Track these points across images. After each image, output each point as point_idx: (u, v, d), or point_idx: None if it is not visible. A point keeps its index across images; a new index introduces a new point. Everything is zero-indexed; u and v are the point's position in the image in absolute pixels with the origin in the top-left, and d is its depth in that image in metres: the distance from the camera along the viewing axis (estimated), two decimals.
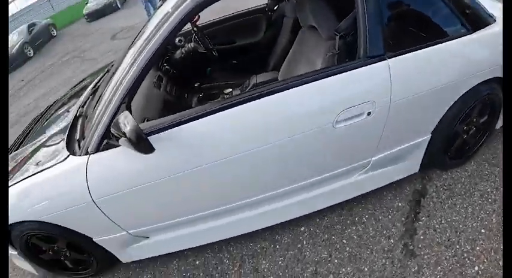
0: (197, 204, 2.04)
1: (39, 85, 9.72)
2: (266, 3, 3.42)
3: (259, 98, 1.73)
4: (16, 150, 2.73)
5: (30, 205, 2.06)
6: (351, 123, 1.81)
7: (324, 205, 2.22)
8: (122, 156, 1.75)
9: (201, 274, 2.26)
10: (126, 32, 10.66)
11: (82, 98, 2.59)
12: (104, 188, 1.85)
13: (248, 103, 1.72)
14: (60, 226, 2.07)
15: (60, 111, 2.90)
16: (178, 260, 2.40)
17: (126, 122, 1.49)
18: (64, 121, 2.47)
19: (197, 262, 2.33)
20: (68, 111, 2.58)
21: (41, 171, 1.98)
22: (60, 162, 1.89)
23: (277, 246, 2.23)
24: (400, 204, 2.26)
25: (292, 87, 1.73)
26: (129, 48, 2.21)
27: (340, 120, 1.78)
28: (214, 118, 1.72)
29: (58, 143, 2.14)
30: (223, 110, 1.72)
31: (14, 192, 2.12)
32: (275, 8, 3.35)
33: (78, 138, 1.96)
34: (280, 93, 1.73)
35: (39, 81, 10.42)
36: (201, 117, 1.72)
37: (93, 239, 2.17)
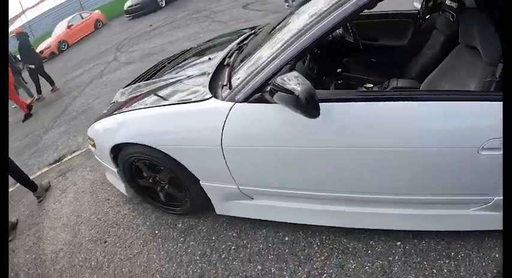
0: (318, 182, 1.97)
1: (166, 33, 10.34)
2: (418, 10, 3.28)
3: (403, 100, 1.64)
4: (146, 80, 2.92)
5: (152, 131, 2.18)
6: (496, 154, 1.65)
7: (427, 228, 2.07)
8: (269, 112, 1.74)
9: (286, 251, 2.24)
10: (258, 5, 10.84)
11: (226, 50, 2.67)
12: (238, 138, 1.86)
13: (394, 102, 1.64)
14: (174, 159, 2.14)
15: (196, 59, 3.04)
16: (268, 231, 2.39)
17: (298, 81, 1.47)
18: (201, 67, 2.59)
19: (286, 238, 2.31)
20: (209, 59, 2.67)
21: (176, 103, 2.08)
22: (200, 100, 1.96)
23: (369, 251, 2.14)
24: (497, 256, 2.05)
25: (438, 100, 1.62)
26: (293, 15, 2.22)
27: (486, 148, 1.63)
28: (373, 106, 1.65)
29: (198, 85, 2.22)
30: (384, 101, 1.64)
31: (140, 115, 2.27)
32: (427, 17, 3.20)
33: (225, 83, 1.99)
34: (423, 102, 1.63)
35: (167, 30, 11.09)
36: (364, 101, 1.66)
37: (200, 182, 2.22)
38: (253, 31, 3.02)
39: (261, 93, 1.75)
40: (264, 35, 2.46)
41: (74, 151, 4.87)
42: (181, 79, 2.50)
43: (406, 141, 1.68)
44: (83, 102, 7.05)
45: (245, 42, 2.69)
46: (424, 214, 1.99)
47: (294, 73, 1.53)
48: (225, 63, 2.32)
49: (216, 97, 1.94)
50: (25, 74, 9.08)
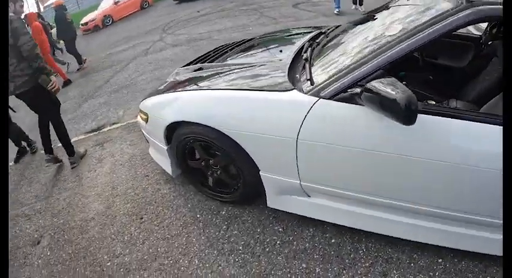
0: (386, 189, 1.89)
1: (214, 21, 10.33)
2: (481, 35, 3.15)
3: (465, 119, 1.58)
4: (208, 63, 2.85)
5: (220, 114, 2.12)
6: None
7: (470, 248, 1.96)
8: (355, 113, 1.70)
9: (332, 253, 2.15)
10: (309, 5, 10.72)
11: (297, 45, 2.61)
12: (317, 133, 1.81)
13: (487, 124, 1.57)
14: (237, 145, 2.09)
15: (263, 48, 2.99)
16: (315, 230, 2.30)
17: (396, 88, 1.43)
18: (271, 58, 2.54)
19: (332, 240, 2.22)
20: (280, 51, 2.62)
21: (252, 89, 2.03)
22: (281, 90, 1.92)
23: (412, 264, 2.04)
24: None
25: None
26: (376, 20, 2.20)
27: None
28: (446, 121, 1.61)
29: (273, 74, 2.19)
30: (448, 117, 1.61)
31: (207, 95, 2.24)
32: (489, 43, 3.07)
33: (308, 78, 1.94)
34: (485, 125, 1.57)
35: (215, 18, 11.08)
36: (455, 118, 1.61)
37: (260, 173, 2.16)
38: (323, 30, 2.94)
39: (348, 92, 1.72)
40: (345, 36, 2.41)
41: (113, 123, 4.84)
42: (251, 66, 2.45)
43: (465, 159, 1.62)
44: (125, 77, 7.05)
45: (317, 40, 2.62)
46: (469, 234, 1.91)
47: (392, 79, 1.51)
48: (303, 58, 2.26)
49: (297, 90, 1.90)
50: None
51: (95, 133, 4.76)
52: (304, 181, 2.04)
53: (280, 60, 2.38)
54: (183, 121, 2.29)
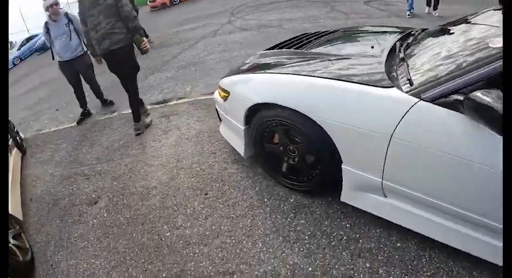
0: (468, 201, 1.78)
1: (284, 10, 10.25)
2: None
3: None
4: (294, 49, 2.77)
5: (313, 101, 2.06)
6: None
7: None
8: (455, 119, 1.63)
9: (396, 256, 2.06)
10: (381, 4, 10.36)
11: (389, 43, 2.48)
12: (413, 134, 1.75)
13: None
14: (325, 134, 2.03)
15: (350, 41, 2.92)
16: (382, 231, 2.21)
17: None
18: (361, 52, 2.44)
19: (398, 244, 2.13)
20: (372, 47, 2.49)
21: (350, 81, 1.95)
22: (381, 86, 1.86)
23: None
24: None
25: None
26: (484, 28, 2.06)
27: None
28: None
29: (368, 69, 2.11)
30: None
31: (299, 80, 2.16)
32: None
33: (409, 78, 1.88)
34: None
35: (285, 7, 10.99)
36: None
37: (342, 165, 2.09)
38: (413, 32, 2.81)
39: (450, 98, 1.65)
40: (440, 40, 2.30)
41: (180, 98, 4.88)
42: (342, 58, 2.37)
43: None
44: (193, 55, 7.11)
45: (408, 41, 2.52)
46: None
47: (498, 91, 1.44)
48: (400, 57, 2.19)
49: (396, 88, 1.84)
50: None
51: (161, 105, 4.82)
52: (387, 180, 1.97)
53: (373, 56, 2.30)
54: (269, 104, 2.25)
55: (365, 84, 1.91)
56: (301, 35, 3.39)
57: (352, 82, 1.95)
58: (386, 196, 2.06)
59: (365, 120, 1.87)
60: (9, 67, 21.24)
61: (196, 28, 10.19)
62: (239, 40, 7.33)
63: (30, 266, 2.64)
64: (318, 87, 2.06)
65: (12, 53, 22.22)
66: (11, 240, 2.63)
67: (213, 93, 4.55)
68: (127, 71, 3.95)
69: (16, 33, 31.50)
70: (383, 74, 1.98)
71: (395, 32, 2.84)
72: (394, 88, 1.82)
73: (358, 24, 7.04)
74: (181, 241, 2.40)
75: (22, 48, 22.51)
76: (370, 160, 1.94)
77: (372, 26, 3.63)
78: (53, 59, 4.96)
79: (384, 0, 10.81)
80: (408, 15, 8.17)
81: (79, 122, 5.19)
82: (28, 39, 23.06)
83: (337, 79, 2.01)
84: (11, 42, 28.16)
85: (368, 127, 1.85)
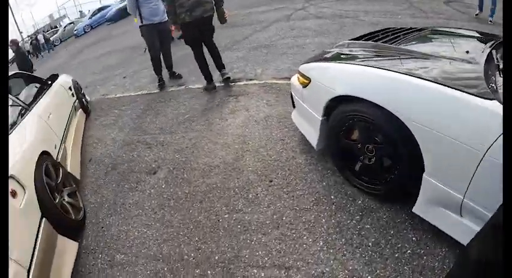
0: None
1: (359, 1, 9.76)
2: None
3: None
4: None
5: (405, 99, 1.92)
6: None
7: None
8: None
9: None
10: (462, 6, 9.48)
11: (485, 49, 2.26)
12: None
13: None
14: (411, 138, 1.87)
15: (444, 42, 2.69)
16: (448, 251, 2.01)
17: None
18: (456, 55, 2.19)
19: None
20: (467, 52, 2.25)
21: (449, 85, 1.77)
22: (482, 97, 1.67)
23: None
24: None
25: None
26: None
27: None
28: None
29: (467, 75, 1.92)
30: None
31: (391, 76, 2.00)
32: None
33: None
34: None
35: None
36: None
37: (424, 174, 1.92)
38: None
39: None
40: None
41: (250, 79, 4.79)
42: (435, 59, 2.16)
43: None
44: (265, 37, 7.00)
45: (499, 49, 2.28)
46: None
47: None
48: (499, 68, 1.97)
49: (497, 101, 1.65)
50: None
51: (230, 84, 4.77)
52: (468, 199, 1.79)
53: (469, 62, 2.07)
54: (353, 97, 2.11)
55: (465, 92, 1.74)
56: (386, 29, 3.19)
57: (451, 87, 1.78)
58: (462, 216, 1.88)
59: (460, 131, 1.71)
60: (80, 34, 23.39)
61: (269, 11, 10.04)
62: (313, 27, 7.10)
63: (81, 225, 2.72)
64: (413, 87, 1.89)
65: (84, 21, 24.42)
66: (66, 197, 2.71)
67: (284, 78, 4.50)
68: (212, 33, 4.58)
69: (89, 3, 33.63)
70: (483, 84, 1.79)
71: (489, 39, 2.58)
72: (495, 101, 1.64)
73: (438, 25, 6.62)
74: (239, 226, 2.34)
75: (94, 17, 24.38)
76: (456, 175, 1.78)
77: (460, 28, 3.35)
78: (142, 22, 5.09)
79: (464, 2, 10.12)
80: (490, 21, 7.65)
81: (161, 86, 5.46)
82: (100, 9, 25.42)
83: (434, 82, 1.83)
84: (81, 12, 30.53)
85: (462, 139, 1.70)
